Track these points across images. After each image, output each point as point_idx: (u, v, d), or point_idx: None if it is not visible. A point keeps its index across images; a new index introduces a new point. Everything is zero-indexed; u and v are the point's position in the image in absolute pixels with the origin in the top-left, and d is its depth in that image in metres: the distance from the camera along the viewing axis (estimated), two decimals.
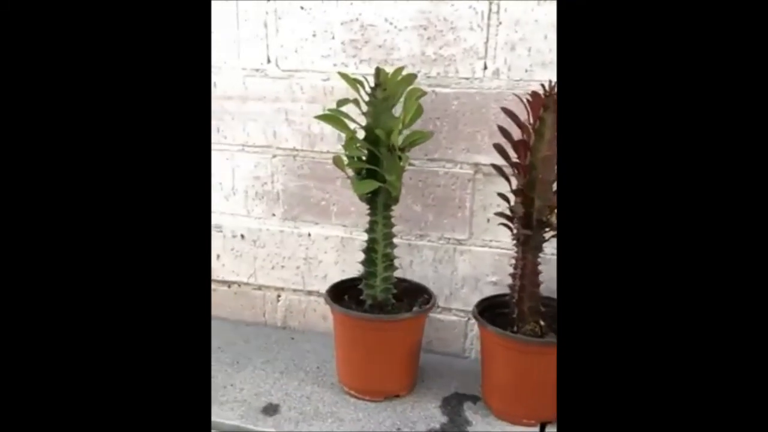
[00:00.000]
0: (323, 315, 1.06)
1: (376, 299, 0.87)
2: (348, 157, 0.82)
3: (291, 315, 1.08)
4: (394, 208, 0.86)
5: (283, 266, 1.06)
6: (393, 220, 0.86)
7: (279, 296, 1.08)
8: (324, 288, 1.03)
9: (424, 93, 0.83)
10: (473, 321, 0.98)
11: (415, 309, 0.87)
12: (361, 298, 0.88)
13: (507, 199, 0.83)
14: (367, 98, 0.81)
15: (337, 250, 1.02)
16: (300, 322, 1.08)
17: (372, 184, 0.80)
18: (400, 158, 0.81)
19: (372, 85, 0.80)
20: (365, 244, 0.87)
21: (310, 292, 1.06)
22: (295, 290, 1.07)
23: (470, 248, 0.96)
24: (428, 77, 0.90)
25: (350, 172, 0.83)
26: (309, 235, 1.03)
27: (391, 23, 0.90)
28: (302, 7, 0.93)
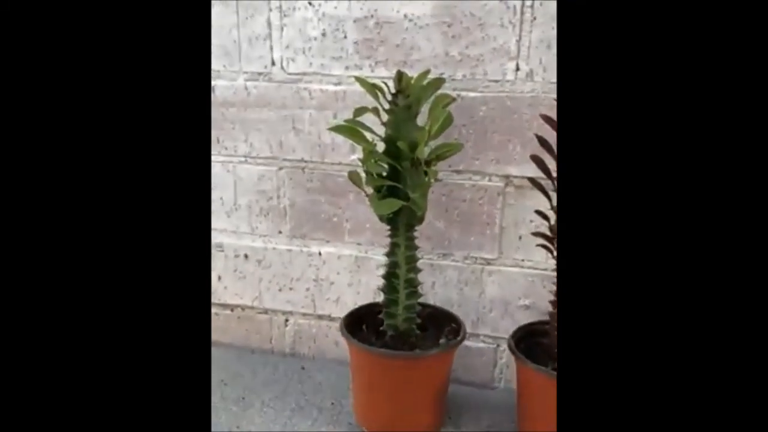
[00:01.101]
0: (335, 340, 0.97)
1: (398, 329, 0.78)
2: (366, 172, 0.72)
3: (300, 341, 0.99)
4: (417, 228, 0.76)
5: (291, 288, 0.97)
6: (415, 235, 0.76)
7: (287, 321, 0.99)
8: (336, 312, 0.95)
9: (453, 99, 0.73)
10: (503, 348, 0.89)
11: (442, 341, 0.78)
12: (382, 328, 0.79)
13: (546, 217, 0.74)
14: (387, 106, 0.71)
15: (350, 270, 0.93)
16: (310, 348, 0.99)
17: (394, 204, 0.71)
18: (425, 173, 0.71)
19: (392, 90, 0.71)
20: (385, 269, 0.77)
21: (320, 317, 0.97)
22: (304, 314, 0.98)
23: (500, 268, 0.87)
24: (453, 80, 0.81)
25: (368, 189, 0.73)
26: (319, 254, 0.94)
27: (410, 20, 0.80)
28: (310, 3, 0.83)
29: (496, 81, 0.80)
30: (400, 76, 0.70)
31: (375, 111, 0.71)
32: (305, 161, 0.90)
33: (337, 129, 0.72)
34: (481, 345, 0.90)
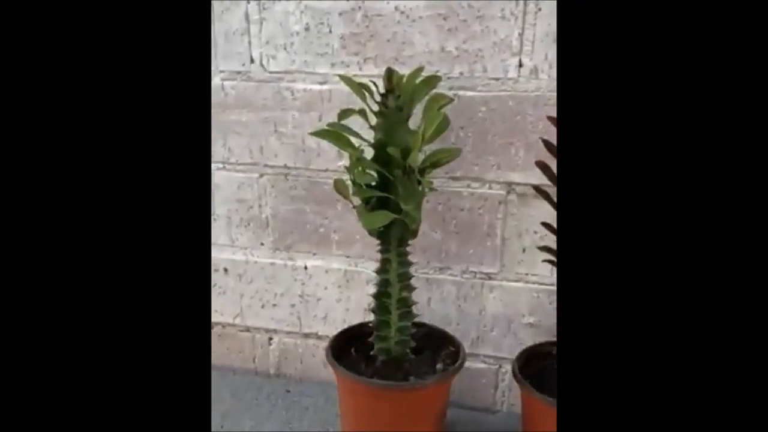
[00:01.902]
0: (323, 361, 0.89)
1: (391, 354, 0.71)
2: (353, 182, 0.65)
3: (285, 361, 0.92)
4: (411, 241, 0.69)
5: (274, 305, 0.89)
6: (408, 250, 0.69)
7: (271, 339, 0.92)
8: (324, 330, 0.88)
9: (450, 100, 0.66)
10: (505, 369, 0.82)
11: (439, 367, 0.70)
12: (372, 352, 0.72)
13: (553, 229, 0.67)
14: (376, 107, 0.64)
15: (339, 285, 0.86)
16: (296, 369, 0.92)
17: (385, 217, 0.64)
18: (419, 182, 0.64)
19: (382, 90, 0.64)
20: (375, 287, 0.70)
21: (307, 335, 0.90)
22: (289, 332, 0.90)
23: (501, 283, 0.80)
24: (449, 78, 0.73)
25: (356, 200, 0.66)
26: (305, 267, 0.86)
27: (402, 12, 0.73)
28: None
29: (497, 79, 0.72)
30: (390, 74, 0.63)
31: (362, 113, 0.63)
32: (288, 167, 0.83)
33: (320, 134, 0.65)
34: (482, 366, 0.83)
